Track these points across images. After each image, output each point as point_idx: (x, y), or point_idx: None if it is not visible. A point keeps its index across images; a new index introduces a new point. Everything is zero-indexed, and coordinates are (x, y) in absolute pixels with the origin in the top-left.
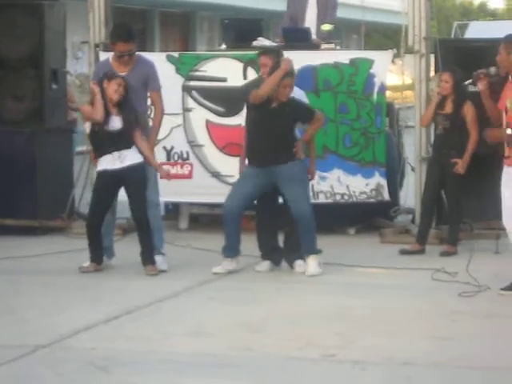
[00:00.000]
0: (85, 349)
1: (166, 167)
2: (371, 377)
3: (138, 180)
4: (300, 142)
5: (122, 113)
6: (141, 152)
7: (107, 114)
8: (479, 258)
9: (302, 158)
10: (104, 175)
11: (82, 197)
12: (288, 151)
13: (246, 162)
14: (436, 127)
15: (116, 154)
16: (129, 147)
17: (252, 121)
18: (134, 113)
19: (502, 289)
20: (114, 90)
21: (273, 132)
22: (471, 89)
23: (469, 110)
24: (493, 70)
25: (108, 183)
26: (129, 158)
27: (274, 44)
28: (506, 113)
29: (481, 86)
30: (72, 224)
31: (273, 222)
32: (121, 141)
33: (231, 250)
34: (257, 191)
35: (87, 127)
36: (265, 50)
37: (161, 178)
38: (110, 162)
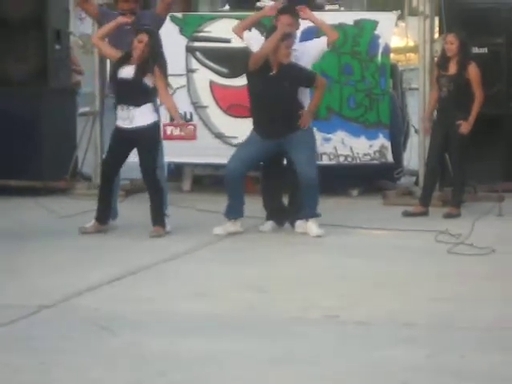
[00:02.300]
0: (88, 309)
1: (169, 128)
2: (374, 337)
3: (147, 142)
4: (306, 111)
5: (138, 64)
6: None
7: (126, 63)
8: (483, 220)
9: (306, 127)
10: (117, 132)
11: (85, 158)
12: (294, 120)
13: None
14: (440, 89)
15: (126, 111)
16: (137, 104)
17: (254, 91)
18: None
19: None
20: (134, 46)
21: (276, 102)
22: (475, 50)
23: (473, 71)
24: None
25: (119, 140)
26: (138, 118)
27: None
28: None
29: None
30: (75, 185)
31: (278, 183)
32: (130, 92)
33: (233, 211)
34: (261, 156)
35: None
36: (283, 9)
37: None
38: (121, 119)
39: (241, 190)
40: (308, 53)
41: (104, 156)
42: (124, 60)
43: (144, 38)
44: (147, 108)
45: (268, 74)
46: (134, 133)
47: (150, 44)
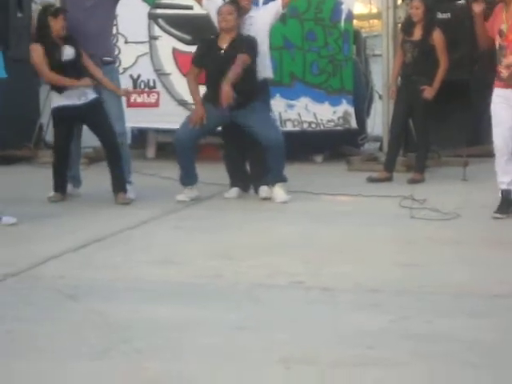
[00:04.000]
0: (53, 277)
1: (133, 96)
2: (340, 303)
3: (98, 112)
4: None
5: (70, 43)
6: (95, 78)
7: (57, 46)
8: (447, 185)
9: (225, 104)
10: (63, 110)
11: (49, 126)
12: (246, 95)
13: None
14: (404, 55)
15: (75, 90)
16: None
17: (209, 66)
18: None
19: (496, 212)
20: (61, 26)
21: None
22: (438, 16)
23: (438, 37)
24: None
25: (68, 117)
26: (87, 93)
27: None
28: (501, 37)
29: (477, 9)
30: (39, 153)
31: (240, 149)
32: (75, 70)
33: (188, 178)
34: (212, 123)
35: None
36: None
37: (122, 95)
38: (71, 98)
39: (192, 156)
40: (262, 19)
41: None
42: (50, 44)
43: (63, 15)
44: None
45: (218, 53)
46: (85, 107)
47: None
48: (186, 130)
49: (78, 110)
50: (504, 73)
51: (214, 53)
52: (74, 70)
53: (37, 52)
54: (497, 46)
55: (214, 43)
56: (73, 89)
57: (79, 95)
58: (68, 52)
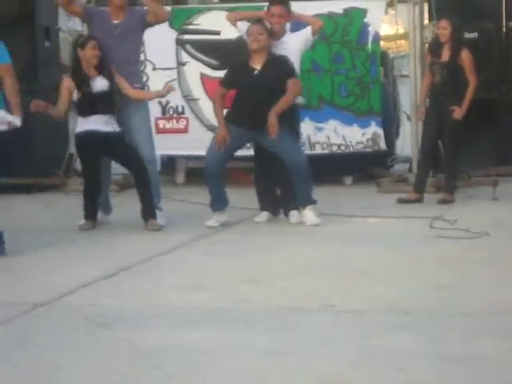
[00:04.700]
0: (83, 305)
1: (161, 122)
2: (371, 325)
3: (122, 143)
4: (271, 117)
5: (104, 73)
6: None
7: (88, 78)
8: (477, 205)
9: (274, 136)
10: (87, 135)
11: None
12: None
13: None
14: (433, 76)
15: (104, 116)
16: (112, 113)
17: (242, 87)
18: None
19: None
20: (91, 55)
21: (264, 97)
22: (467, 35)
23: (466, 57)
24: None
25: (91, 143)
26: (113, 124)
27: None
28: None
29: None
30: (68, 181)
31: (271, 173)
32: (109, 102)
33: (218, 202)
34: (238, 144)
35: (75, 96)
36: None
37: (168, 91)
38: (95, 124)
39: (221, 179)
40: (293, 44)
41: None
42: (81, 74)
43: (94, 43)
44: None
45: (252, 73)
46: (111, 135)
47: (99, 47)
48: (213, 154)
49: (103, 137)
50: None
51: (247, 74)
52: (106, 102)
53: (63, 84)
54: None
55: (245, 65)
56: (99, 115)
57: (106, 122)
58: (100, 84)
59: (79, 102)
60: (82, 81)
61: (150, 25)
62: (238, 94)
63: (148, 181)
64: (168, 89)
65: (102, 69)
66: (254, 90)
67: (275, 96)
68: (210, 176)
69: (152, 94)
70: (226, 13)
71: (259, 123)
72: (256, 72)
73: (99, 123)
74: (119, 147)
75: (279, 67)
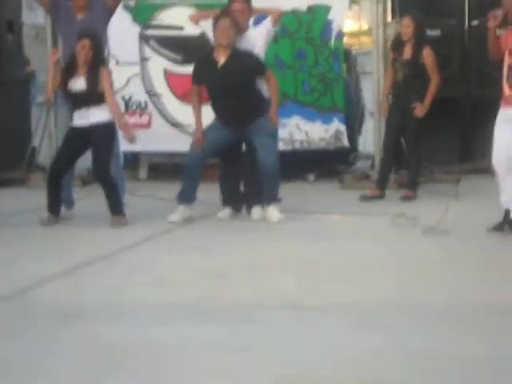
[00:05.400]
0: (47, 301)
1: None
2: (334, 323)
3: (101, 137)
4: (272, 112)
5: (87, 73)
6: (111, 111)
7: (73, 76)
8: (439, 202)
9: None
10: (72, 130)
11: (41, 148)
12: (255, 108)
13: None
14: (395, 73)
15: (84, 110)
16: (97, 105)
17: (208, 81)
18: (100, 70)
19: (492, 228)
20: (78, 52)
21: (233, 93)
22: (428, 33)
23: (428, 56)
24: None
25: (74, 137)
26: (95, 116)
27: None
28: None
29: (492, 24)
30: (31, 176)
31: (235, 169)
32: (87, 100)
33: (187, 196)
34: (223, 143)
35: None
36: None
37: (126, 139)
38: (78, 118)
39: (198, 176)
40: (256, 37)
41: (55, 152)
42: (71, 69)
43: (86, 42)
44: (103, 107)
45: (216, 66)
46: (90, 129)
47: (92, 48)
48: (196, 150)
49: (81, 131)
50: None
51: (212, 68)
52: (84, 100)
53: (50, 59)
54: (506, 64)
55: (210, 58)
56: (81, 110)
57: (82, 116)
58: (79, 83)
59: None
60: (67, 77)
61: (112, 8)
62: (208, 91)
63: (109, 184)
64: (130, 137)
65: (92, 68)
66: (220, 86)
67: (245, 91)
68: (189, 171)
69: (122, 120)
70: (189, 9)
71: (240, 119)
72: (220, 66)
73: (79, 118)
74: (96, 137)
75: (244, 61)
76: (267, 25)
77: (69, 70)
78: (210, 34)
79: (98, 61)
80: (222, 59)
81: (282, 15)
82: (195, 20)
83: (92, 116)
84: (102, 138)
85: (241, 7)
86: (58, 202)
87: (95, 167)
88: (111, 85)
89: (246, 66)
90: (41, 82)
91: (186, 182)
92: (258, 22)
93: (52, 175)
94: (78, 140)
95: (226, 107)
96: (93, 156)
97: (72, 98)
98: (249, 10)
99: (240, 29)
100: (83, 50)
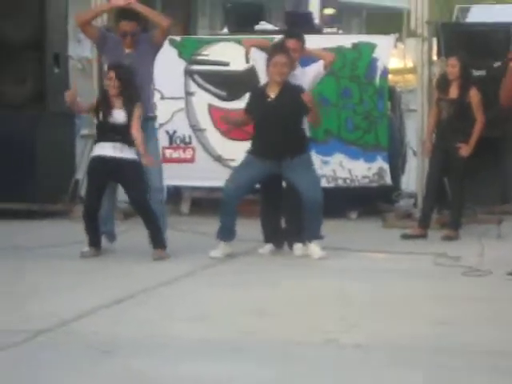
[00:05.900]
0: (87, 333)
1: (168, 151)
2: (374, 361)
3: (131, 172)
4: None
5: (125, 106)
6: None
7: (110, 107)
8: (481, 243)
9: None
10: (98, 160)
11: (84, 181)
12: (298, 143)
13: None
14: (440, 112)
15: (117, 144)
16: (131, 143)
17: (255, 114)
18: (135, 101)
19: (509, 273)
20: (107, 84)
21: (280, 126)
22: (475, 73)
23: (475, 96)
24: None
25: (101, 168)
26: (126, 151)
27: (276, 28)
28: None
29: None
30: (74, 208)
31: (276, 205)
32: (124, 134)
33: (227, 233)
34: (258, 178)
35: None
36: (291, 33)
37: (144, 163)
38: (108, 149)
39: (234, 212)
40: (306, 77)
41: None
42: (104, 102)
43: (111, 74)
44: (133, 149)
45: (266, 99)
46: (119, 162)
47: (118, 77)
48: (234, 184)
49: (111, 161)
50: None
51: (262, 101)
52: (121, 132)
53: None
54: None
55: (262, 92)
56: (108, 141)
57: (115, 148)
58: (118, 116)
59: (97, 129)
60: (103, 109)
61: (159, 44)
62: (255, 122)
63: (147, 210)
64: (149, 162)
65: (127, 100)
66: (269, 118)
67: (293, 124)
68: (226, 206)
69: (143, 149)
70: (234, 44)
71: (282, 153)
72: (270, 99)
73: (109, 148)
74: (125, 174)
75: (294, 96)
76: (319, 68)
77: (102, 102)
78: (258, 65)
79: (130, 93)
80: (272, 94)
81: (334, 60)
82: (248, 45)
83: (123, 151)
84: (131, 173)
85: (294, 45)
86: (97, 235)
87: (132, 201)
88: (139, 120)
89: (296, 100)
90: (86, 115)
91: (224, 219)
92: (303, 62)
93: (86, 211)
94: (101, 170)
95: (270, 139)
96: (126, 191)
97: (108, 130)
98: (301, 48)
99: (293, 66)
100: (110, 81)
